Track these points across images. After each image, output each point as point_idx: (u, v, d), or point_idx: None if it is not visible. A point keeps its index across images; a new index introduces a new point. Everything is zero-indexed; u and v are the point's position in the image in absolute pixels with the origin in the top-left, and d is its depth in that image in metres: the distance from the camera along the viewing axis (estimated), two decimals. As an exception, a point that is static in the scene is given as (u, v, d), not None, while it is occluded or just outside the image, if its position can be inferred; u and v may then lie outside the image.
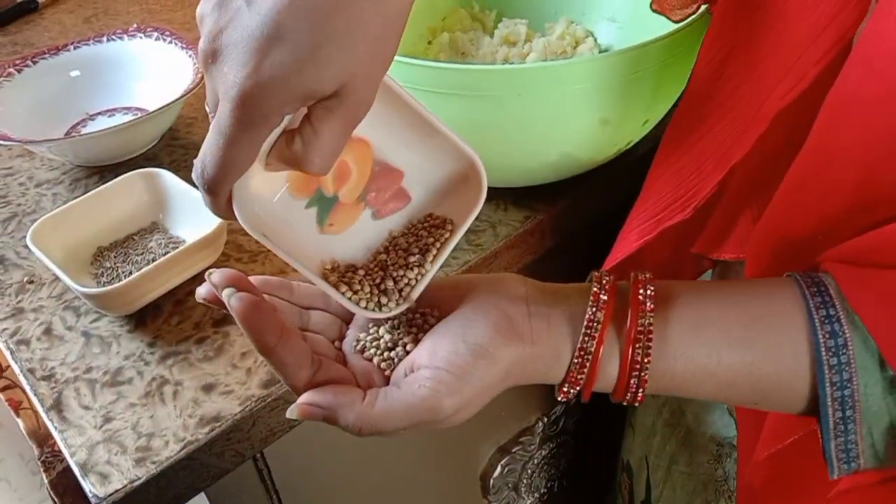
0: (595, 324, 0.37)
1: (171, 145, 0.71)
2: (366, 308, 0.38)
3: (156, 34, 0.75)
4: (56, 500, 1.24)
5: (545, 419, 0.82)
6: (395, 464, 0.70)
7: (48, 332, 0.54)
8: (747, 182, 0.45)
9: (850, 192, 0.36)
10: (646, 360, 0.36)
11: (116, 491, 0.44)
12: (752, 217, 0.45)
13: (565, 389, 0.38)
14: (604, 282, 0.38)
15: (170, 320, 0.54)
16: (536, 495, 0.87)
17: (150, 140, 0.69)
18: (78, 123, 0.73)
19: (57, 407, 0.49)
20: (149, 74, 0.75)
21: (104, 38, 0.76)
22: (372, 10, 0.30)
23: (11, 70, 0.71)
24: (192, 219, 0.58)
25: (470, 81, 0.50)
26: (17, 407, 1.05)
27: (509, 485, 0.82)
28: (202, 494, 0.54)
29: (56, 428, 0.48)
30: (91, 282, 0.56)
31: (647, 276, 0.38)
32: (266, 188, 0.38)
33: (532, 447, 0.82)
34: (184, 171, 0.67)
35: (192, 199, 0.58)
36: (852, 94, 0.35)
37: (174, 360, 0.51)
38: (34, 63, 0.73)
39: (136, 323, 0.54)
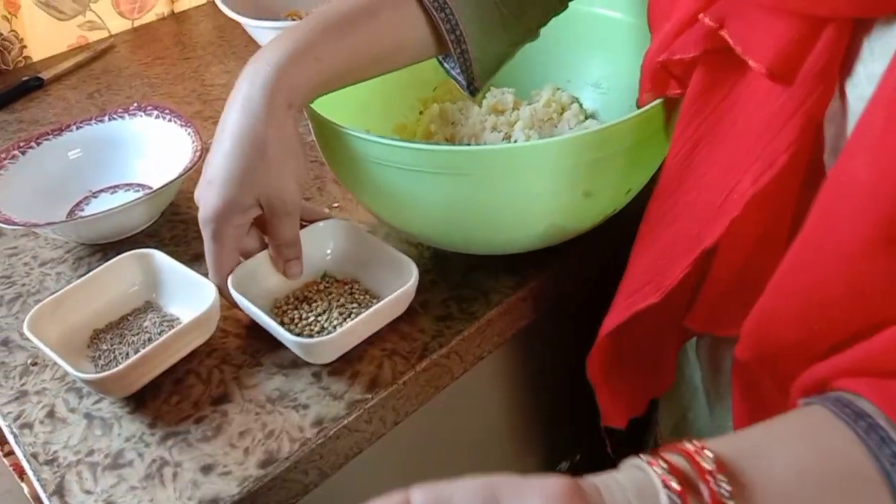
0: None
1: (172, 221, 0.73)
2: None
3: (156, 112, 0.77)
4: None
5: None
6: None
7: (51, 414, 0.55)
8: (729, 267, 0.46)
9: (843, 281, 0.36)
10: None
11: (117, 578, 0.45)
12: (741, 301, 0.45)
13: None
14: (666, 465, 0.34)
15: (169, 400, 0.55)
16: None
17: (152, 217, 0.71)
18: (81, 201, 0.75)
19: (59, 492, 0.50)
20: (150, 151, 0.77)
21: (106, 118, 0.78)
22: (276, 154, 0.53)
23: (16, 152, 0.74)
24: (185, 296, 0.59)
25: (455, 162, 0.52)
26: (21, 472, 1.06)
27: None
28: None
29: (58, 513, 0.49)
30: (89, 365, 0.57)
31: (709, 457, 0.34)
32: None
33: None
34: (184, 247, 0.69)
35: (184, 277, 0.59)
36: (848, 182, 0.36)
37: (174, 441, 0.52)
38: (38, 144, 0.75)
39: (137, 403, 0.55)
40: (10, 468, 1.04)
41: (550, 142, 0.51)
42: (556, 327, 0.71)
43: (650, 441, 0.70)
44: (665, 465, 0.33)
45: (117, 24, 1.12)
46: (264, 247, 0.60)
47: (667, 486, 0.33)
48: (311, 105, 0.58)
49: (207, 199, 0.54)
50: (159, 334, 0.58)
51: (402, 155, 0.53)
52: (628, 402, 0.59)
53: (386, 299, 0.55)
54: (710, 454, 0.34)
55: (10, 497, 1.55)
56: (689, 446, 0.34)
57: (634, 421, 0.67)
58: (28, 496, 1.04)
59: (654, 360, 0.58)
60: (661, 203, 0.48)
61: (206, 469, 0.50)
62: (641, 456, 0.35)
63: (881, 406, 0.34)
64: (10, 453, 1.03)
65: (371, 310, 0.54)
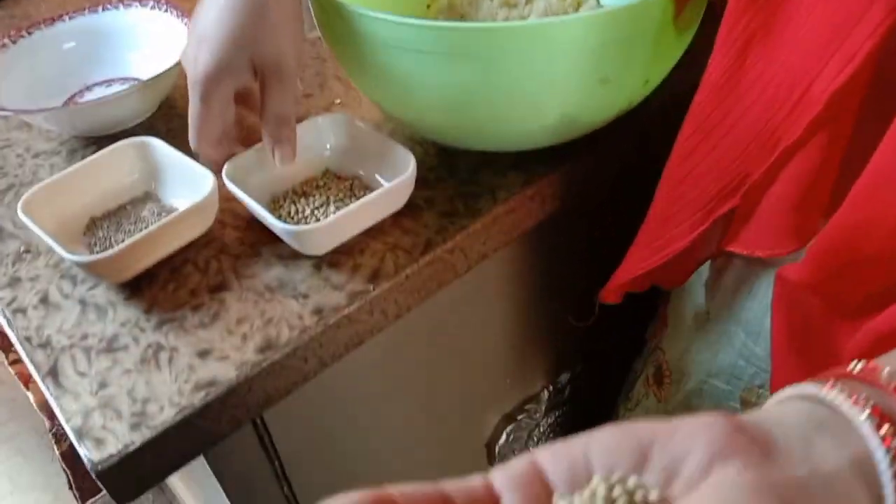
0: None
1: (169, 114, 0.70)
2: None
3: (151, 3, 0.74)
4: (67, 471, 1.26)
5: (550, 387, 0.82)
6: (400, 431, 0.70)
7: (44, 300, 0.54)
8: (797, 177, 0.43)
9: None
10: None
11: (112, 455, 0.44)
12: (807, 216, 0.42)
13: None
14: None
15: (166, 287, 0.54)
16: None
17: (147, 109, 0.69)
18: (75, 94, 0.73)
19: (53, 374, 0.49)
20: (145, 44, 0.74)
21: (99, 9, 0.75)
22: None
23: (6, 41, 0.71)
24: (185, 188, 0.57)
25: (465, 41, 0.49)
26: (27, 381, 1.06)
27: (515, 452, 0.82)
28: (202, 460, 0.54)
29: (52, 394, 0.48)
30: (84, 251, 0.56)
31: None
32: None
33: (538, 415, 0.82)
34: (180, 140, 0.66)
35: (184, 167, 0.57)
36: None
37: (170, 327, 0.51)
38: (29, 34, 0.72)
39: (132, 291, 0.54)
40: (16, 377, 1.04)
41: (567, 19, 0.48)
42: (564, 231, 0.69)
43: (650, 366, 0.69)
44: (862, 398, 0.25)
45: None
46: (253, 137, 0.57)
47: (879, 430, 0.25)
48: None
49: (199, 57, 0.50)
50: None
51: (408, 33, 0.50)
52: (632, 283, 0.57)
53: (381, 189, 0.53)
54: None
55: (15, 405, 1.57)
56: (862, 369, 0.27)
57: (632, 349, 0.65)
58: (34, 404, 1.05)
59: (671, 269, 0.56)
60: (709, 110, 0.45)
61: (203, 354, 0.49)
62: (813, 383, 0.27)
63: None
64: (16, 361, 1.03)
65: (364, 199, 0.52)
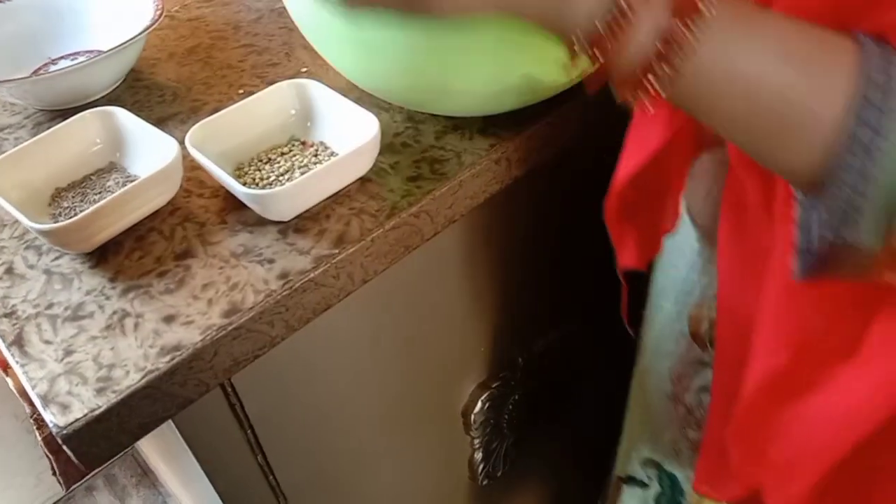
0: None
1: (134, 86, 0.70)
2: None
3: (114, -26, 0.73)
4: (50, 456, 1.26)
5: (525, 355, 0.82)
6: (375, 398, 0.71)
7: (9, 271, 0.54)
8: None
9: None
10: (686, 33, 0.32)
11: (77, 420, 0.44)
12: None
13: (576, 46, 0.34)
14: None
15: (131, 255, 0.54)
16: (518, 433, 0.88)
17: (113, 81, 0.68)
18: (40, 68, 0.72)
19: (18, 342, 0.49)
20: (110, 16, 0.73)
21: (61, -19, 0.74)
22: None
23: (-33, 14, 0.70)
24: (150, 157, 0.57)
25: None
26: (4, 366, 1.06)
27: (491, 421, 0.83)
28: (173, 427, 0.54)
29: (18, 363, 0.48)
30: (50, 221, 0.55)
31: None
32: None
33: (513, 383, 0.82)
34: (146, 112, 0.67)
35: (149, 136, 0.57)
36: None
37: (135, 294, 0.51)
38: (-9, 7, 0.71)
39: (98, 259, 0.54)
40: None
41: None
42: (534, 193, 0.69)
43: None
44: None
45: None
46: None
47: None
48: None
49: None
50: (121, 193, 0.57)
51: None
52: (646, 242, 0.58)
53: (344, 153, 0.53)
54: None
55: (-7, 390, 1.56)
56: None
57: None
58: (13, 389, 1.04)
59: (663, 198, 0.56)
60: None
61: (169, 319, 0.49)
62: None
63: None
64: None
65: (328, 163, 0.52)
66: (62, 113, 0.67)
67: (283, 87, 0.60)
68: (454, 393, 0.79)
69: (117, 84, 0.69)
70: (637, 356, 0.70)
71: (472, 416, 0.80)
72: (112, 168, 0.59)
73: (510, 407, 0.83)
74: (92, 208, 0.50)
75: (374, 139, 0.54)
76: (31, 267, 0.54)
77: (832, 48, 0.33)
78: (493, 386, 0.80)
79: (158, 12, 0.67)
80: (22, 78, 0.62)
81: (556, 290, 0.82)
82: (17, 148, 0.56)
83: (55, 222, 0.55)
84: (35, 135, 0.65)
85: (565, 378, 0.89)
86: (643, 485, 0.74)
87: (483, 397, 0.80)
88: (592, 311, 0.81)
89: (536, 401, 0.87)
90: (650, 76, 0.34)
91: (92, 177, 0.59)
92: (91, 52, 0.74)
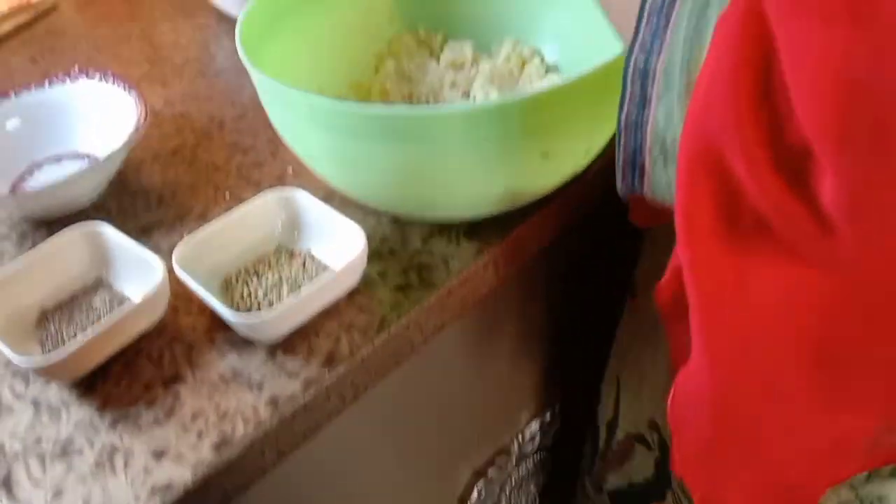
0: None
1: (121, 192, 0.70)
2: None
3: (98, 75, 0.74)
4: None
5: (519, 438, 0.82)
6: (375, 486, 0.70)
7: (-4, 402, 0.53)
8: None
9: None
10: None
11: (67, 572, 0.43)
12: None
13: None
14: None
15: (119, 383, 0.53)
16: (517, 512, 0.87)
17: (98, 188, 0.68)
18: (24, 173, 0.72)
19: (7, 484, 0.48)
20: (94, 118, 0.74)
21: (46, 83, 0.74)
22: None
23: (-49, 124, 0.70)
24: (137, 275, 0.57)
25: (401, 126, 0.49)
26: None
27: (488, 505, 0.82)
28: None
29: (6, 506, 0.47)
30: (36, 348, 0.55)
31: None
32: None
33: (508, 467, 0.82)
34: (132, 220, 0.66)
35: (134, 255, 0.57)
36: None
37: (124, 426, 0.50)
38: (-25, 115, 0.71)
39: (86, 388, 0.53)
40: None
41: (500, 103, 0.49)
42: (523, 289, 0.70)
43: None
44: None
45: (60, -19, 1.07)
46: None
47: None
48: (257, 65, 0.55)
49: None
50: (109, 314, 0.56)
51: (342, 119, 0.50)
52: None
53: (329, 273, 0.53)
54: None
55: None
56: None
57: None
58: None
59: None
60: None
61: (158, 454, 0.48)
62: None
63: None
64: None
65: (313, 284, 0.52)
66: (47, 222, 0.67)
67: (269, 198, 0.60)
68: (451, 481, 0.79)
69: (103, 189, 0.69)
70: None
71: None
72: (99, 284, 0.59)
73: (507, 491, 0.83)
74: (78, 341, 0.50)
75: (361, 256, 0.55)
76: (19, 397, 0.53)
77: None
78: (489, 473, 0.79)
79: (142, 119, 0.67)
80: (4, 196, 0.62)
81: (550, 370, 0.82)
82: (1, 270, 0.56)
83: (43, 349, 0.55)
84: (21, 247, 0.65)
85: (560, 457, 0.89)
86: (649, 447, 0.73)
87: (478, 485, 0.79)
88: (587, 391, 0.81)
89: (532, 482, 0.86)
90: None
91: (79, 295, 0.59)
92: (76, 153, 0.74)
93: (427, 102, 0.69)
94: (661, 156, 0.37)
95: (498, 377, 0.75)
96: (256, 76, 0.54)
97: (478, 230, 0.61)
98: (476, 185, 0.54)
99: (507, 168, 0.53)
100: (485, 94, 0.66)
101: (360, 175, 0.56)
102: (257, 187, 0.68)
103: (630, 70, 0.37)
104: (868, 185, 0.27)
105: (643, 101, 0.36)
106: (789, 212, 0.31)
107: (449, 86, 0.69)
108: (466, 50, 0.71)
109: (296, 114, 0.53)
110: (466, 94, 0.69)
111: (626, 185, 0.40)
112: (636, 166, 0.38)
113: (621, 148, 0.39)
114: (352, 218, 0.62)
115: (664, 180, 0.37)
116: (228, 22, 0.93)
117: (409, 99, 0.70)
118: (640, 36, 0.36)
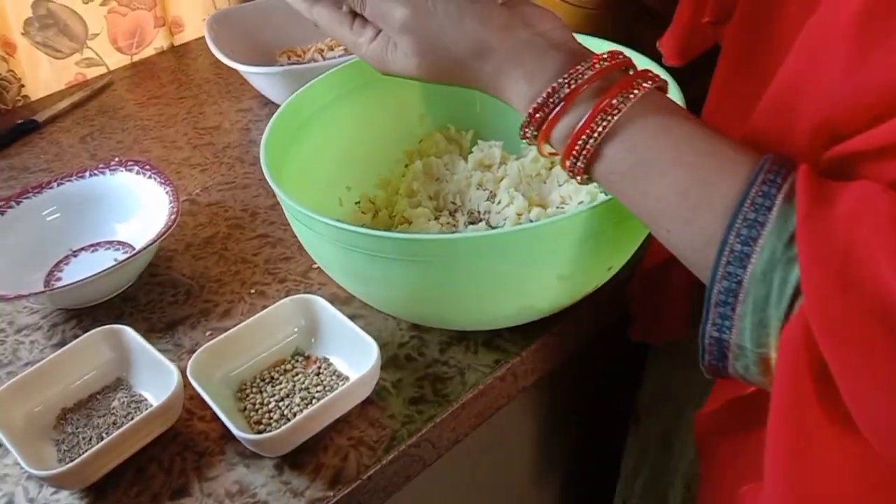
0: (579, 76, 0.42)
1: (150, 283, 0.71)
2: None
3: (136, 168, 0.76)
4: None
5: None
6: None
7: (10, 505, 0.54)
8: None
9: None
10: (600, 129, 0.41)
11: None
12: None
13: (526, 124, 0.44)
14: (609, 59, 0.43)
15: (129, 491, 0.53)
16: None
17: (129, 280, 0.70)
18: (61, 261, 0.74)
19: None
20: (130, 208, 0.76)
21: (87, 174, 0.77)
22: None
23: (-5, 213, 0.73)
24: (154, 375, 0.58)
25: (418, 249, 0.49)
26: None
27: None
28: None
29: None
30: (52, 450, 0.55)
31: (653, 75, 0.42)
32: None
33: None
34: (159, 313, 0.67)
35: (150, 357, 0.58)
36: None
37: (128, 541, 0.50)
38: (18, 203, 0.74)
39: (97, 494, 0.53)
40: None
41: (519, 230, 0.48)
42: (542, 399, 0.68)
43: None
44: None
45: (115, 60, 1.11)
46: None
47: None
48: (287, 161, 0.56)
49: None
50: (125, 416, 0.57)
51: (367, 241, 0.50)
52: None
53: (341, 388, 0.53)
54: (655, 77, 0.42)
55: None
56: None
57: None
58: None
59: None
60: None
61: (158, 575, 0.48)
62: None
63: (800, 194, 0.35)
64: None
65: (324, 400, 0.52)
66: (78, 312, 0.69)
67: (288, 304, 0.60)
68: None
69: (133, 281, 0.71)
70: None
71: None
72: (118, 385, 0.60)
73: None
74: (89, 454, 0.51)
75: (374, 370, 0.54)
76: (31, 501, 0.54)
77: (731, 160, 0.39)
78: (509, 577, 0.77)
79: (174, 216, 0.69)
80: (38, 293, 0.64)
81: (566, 484, 0.80)
82: (27, 371, 0.57)
83: (58, 451, 0.56)
84: (50, 337, 0.67)
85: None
86: None
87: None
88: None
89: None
90: (573, 154, 0.42)
91: (98, 395, 0.59)
92: (111, 242, 0.76)
93: (453, 203, 0.69)
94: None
95: (517, 490, 0.73)
96: (279, 193, 0.54)
97: (497, 338, 0.60)
98: (491, 304, 0.54)
99: (523, 289, 0.52)
100: (509, 199, 0.66)
101: (377, 291, 0.56)
102: (282, 284, 0.69)
103: (706, 342, 0.39)
104: None
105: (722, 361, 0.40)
106: None
107: (476, 186, 0.69)
108: (495, 151, 0.71)
109: (315, 233, 0.53)
110: (493, 196, 0.68)
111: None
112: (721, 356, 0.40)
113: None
114: (372, 319, 0.63)
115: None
116: (271, 106, 0.96)
117: (436, 199, 0.70)
118: (710, 319, 0.38)
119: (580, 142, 0.42)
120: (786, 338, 0.35)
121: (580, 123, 0.42)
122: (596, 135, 0.41)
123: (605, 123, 0.41)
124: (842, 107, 0.35)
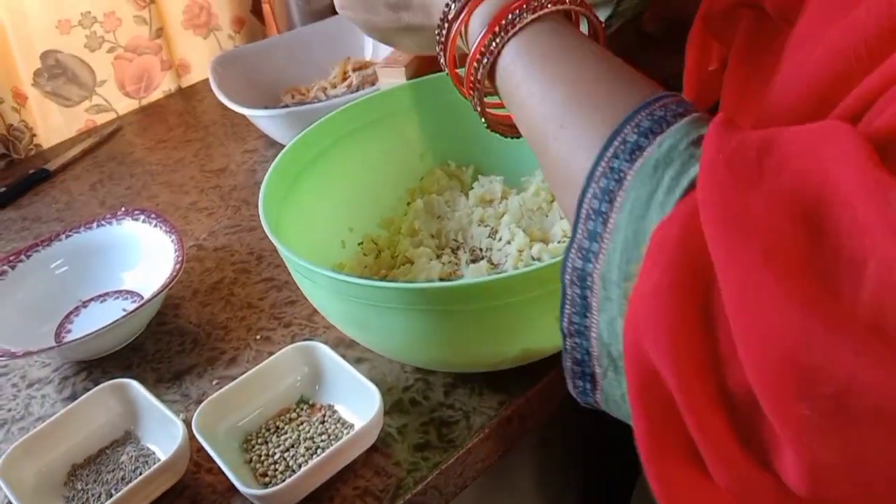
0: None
1: (157, 332, 0.71)
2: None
3: (142, 217, 0.77)
4: None
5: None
6: None
7: (20, 566, 0.54)
8: None
9: None
10: (494, 46, 0.42)
11: None
12: None
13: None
14: None
15: (137, 548, 0.53)
16: None
17: (136, 331, 0.70)
18: (71, 313, 0.75)
19: None
20: (137, 257, 0.77)
21: (94, 224, 0.78)
22: None
23: (5, 268, 0.74)
24: (161, 429, 0.58)
25: (418, 297, 0.49)
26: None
27: None
28: None
29: None
30: (62, 507, 0.56)
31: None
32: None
33: None
34: (166, 363, 0.68)
35: (156, 412, 0.58)
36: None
37: None
38: (28, 257, 0.75)
39: (105, 552, 0.54)
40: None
41: (517, 274, 0.48)
42: (549, 441, 0.67)
43: None
44: None
45: (125, 105, 1.13)
46: None
47: None
48: (289, 203, 0.57)
49: None
50: (134, 471, 0.57)
51: (365, 291, 0.50)
52: None
53: (344, 439, 0.53)
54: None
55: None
56: None
57: None
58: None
59: None
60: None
61: None
62: None
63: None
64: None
65: (327, 453, 0.52)
66: (87, 365, 0.69)
67: (290, 352, 0.60)
68: None
69: (141, 331, 0.71)
70: None
71: None
72: (127, 439, 0.60)
73: None
74: (95, 514, 0.51)
75: (377, 418, 0.54)
76: (41, 561, 0.54)
77: (640, 78, 0.37)
78: None
79: (178, 265, 0.69)
80: (48, 348, 0.64)
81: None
82: (38, 428, 0.58)
83: (67, 508, 0.56)
84: (61, 390, 0.68)
85: None
86: None
87: None
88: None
89: None
90: (472, 73, 0.43)
91: (107, 450, 0.60)
92: (120, 292, 0.76)
93: (455, 241, 0.69)
94: (612, 366, 0.33)
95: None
96: (278, 245, 0.54)
97: (500, 380, 0.60)
98: (494, 347, 0.53)
99: (526, 331, 0.52)
100: (510, 235, 0.65)
101: (378, 338, 0.56)
102: (287, 329, 0.69)
103: (568, 272, 0.33)
104: (830, 467, 0.25)
105: (585, 307, 0.33)
106: (728, 457, 0.28)
107: (477, 223, 0.69)
108: (496, 186, 0.71)
109: (314, 283, 0.53)
110: (494, 233, 0.68)
111: (579, 393, 0.36)
112: (586, 375, 0.34)
113: (567, 354, 0.34)
114: (376, 363, 0.63)
115: (618, 393, 0.33)
116: (277, 146, 0.96)
117: (438, 237, 0.70)
118: (577, 237, 0.33)
119: (483, 58, 0.43)
120: (658, 238, 0.30)
121: (476, 43, 0.43)
122: (490, 51, 0.42)
123: (499, 40, 0.42)
124: None
